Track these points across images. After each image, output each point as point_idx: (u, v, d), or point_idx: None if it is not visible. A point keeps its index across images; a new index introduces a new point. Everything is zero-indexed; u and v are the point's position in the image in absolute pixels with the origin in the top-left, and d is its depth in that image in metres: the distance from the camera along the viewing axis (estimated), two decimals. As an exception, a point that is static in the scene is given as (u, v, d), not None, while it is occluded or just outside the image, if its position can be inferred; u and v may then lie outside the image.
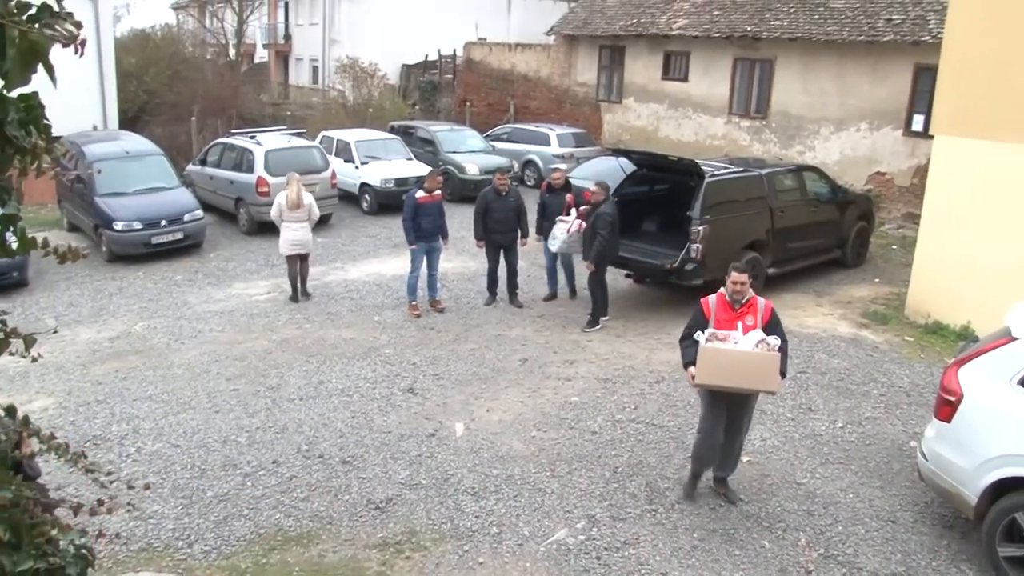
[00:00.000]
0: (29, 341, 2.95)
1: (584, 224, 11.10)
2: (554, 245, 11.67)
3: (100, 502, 3.44)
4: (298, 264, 12.43)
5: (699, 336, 6.41)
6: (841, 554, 6.26)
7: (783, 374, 6.40)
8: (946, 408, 6.18)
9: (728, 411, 6.65)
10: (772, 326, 6.47)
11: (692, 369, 6.42)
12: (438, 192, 11.73)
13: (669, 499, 6.97)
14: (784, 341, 6.43)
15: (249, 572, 6.02)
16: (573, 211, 11.59)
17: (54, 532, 2.90)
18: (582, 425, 8.33)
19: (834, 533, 6.51)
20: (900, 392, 9.21)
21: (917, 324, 11.27)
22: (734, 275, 6.45)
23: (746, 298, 6.50)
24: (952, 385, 6.15)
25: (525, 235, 11.99)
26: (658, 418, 8.50)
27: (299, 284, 12.48)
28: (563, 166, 19.26)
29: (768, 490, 7.15)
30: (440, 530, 6.54)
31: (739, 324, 6.45)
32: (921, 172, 15.88)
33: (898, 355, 10.32)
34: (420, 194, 11.41)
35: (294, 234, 12.25)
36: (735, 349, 6.31)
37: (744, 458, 7.51)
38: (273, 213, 12.51)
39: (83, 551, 2.80)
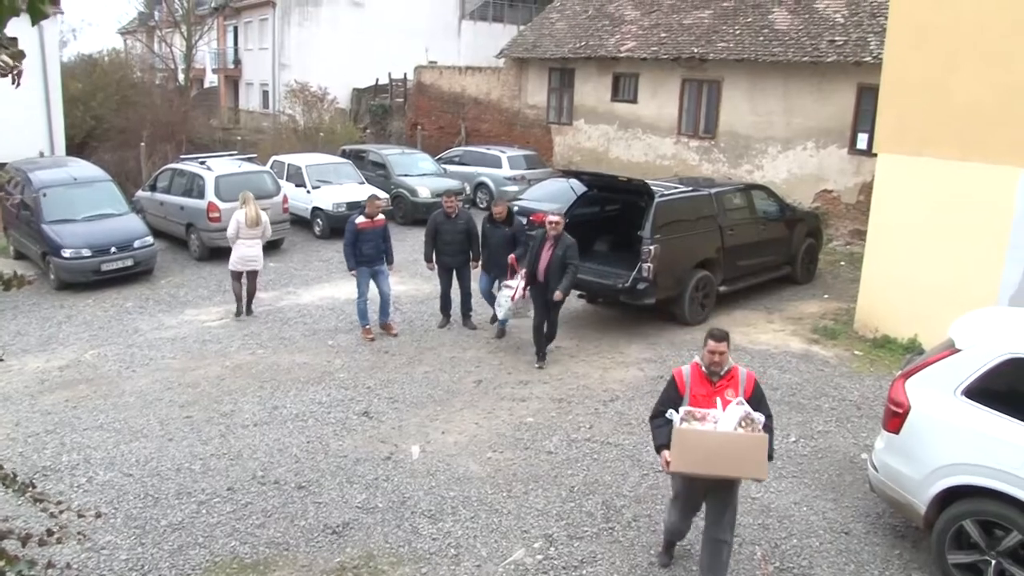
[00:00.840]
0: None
1: (526, 291, 10.63)
2: (500, 311, 11.09)
3: (50, 532, 3.39)
4: (244, 280, 12.67)
5: (672, 415, 5.52)
6: (796, 567, 6.34)
7: (770, 456, 5.46)
8: (895, 420, 6.29)
9: (707, 500, 5.80)
10: (756, 401, 5.58)
11: (666, 453, 5.50)
12: (381, 217, 11.64)
13: (625, 517, 7.00)
14: (769, 417, 5.59)
15: (204, 602, 5.93)
16: (518, 276, 10.81)
17: (0, 563, 2.86)
18: (537, 445, 8.35)
19: (789, 546, 6.59)
20: (850, 405, 9.38)
21: (866, 338, 11.49)
22: (711, 344, 5.56)
23: (725, 369, 5.63)
24: (899, 397, 6.28)
25: (476, 258, 11.90)
26: (613, 437, 8.55)
27: (247, 300, 12.73)
28: (511, 189, 19.40)
29: (723, 505, 7.20)
30: (398, 553, 6.50)
31: (718, 400, 5.55)
32: (867, 189, 16.25)
33: (848, 369, 10.51)
34: (360, 220, 11.41)
35: (249, 251, 12.52)
36: (715, 431, 5.40)
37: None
38: (230, 231, 12.67)
39: (33, 583, 2.76)
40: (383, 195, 19.07)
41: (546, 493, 7.42)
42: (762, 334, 11.88)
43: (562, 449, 8.26)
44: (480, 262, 11.96)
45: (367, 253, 11.45)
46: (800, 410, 9.23)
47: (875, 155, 11.64)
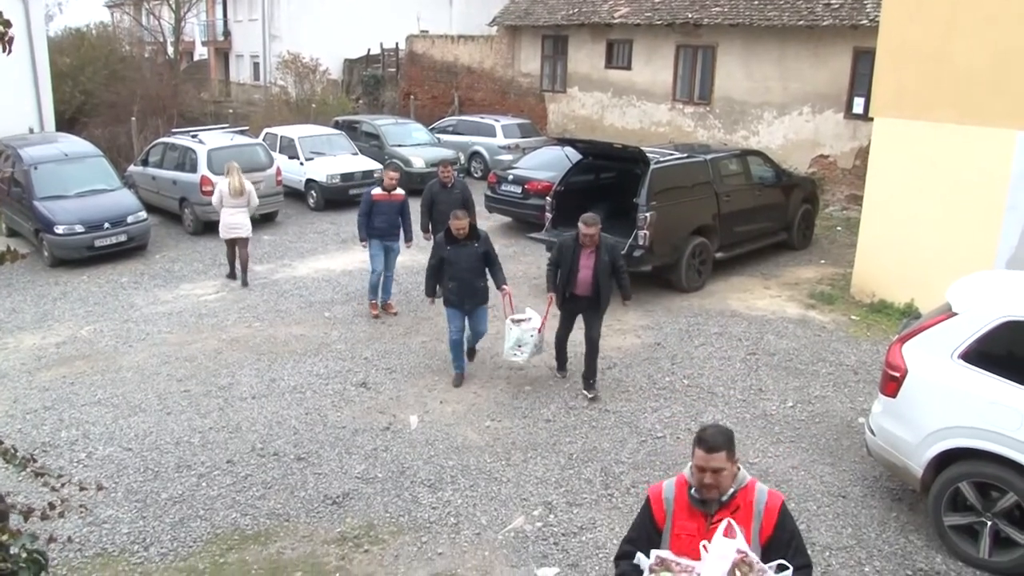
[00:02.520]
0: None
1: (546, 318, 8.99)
2: (523, 352, 8.86)
3: (51, 505, 3.41)
4: (236, 248, 12.97)
5: (641, 560, 3.59)
6: (794, 529, 6.40)
7: None
8: (891, 384, 6.32)
9: None
10: (781, 544, 3.55)
11: None
12: (400, 192, 11.37)
13: (624, 483, 7.05)
14: (805, 569, 3.59)
15: (207, 573, 5.97)
16: (529, 309, 9.23)
17: (3, 537, 2.87)
18: (536, 413, 8.39)
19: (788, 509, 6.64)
20: (847, 370, 9.42)
21: (862, 303, 11.52)
22: (699, 454, 3.55)
23: (730, 494, 3.59)
24: (896, 361, 6.30)
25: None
26: (611, 404, 8.59)
27: (240, 271, 13.02)
28: (505, 158, 19.34)
29: (721, 470, 7.25)
30: (398, 522, 6.55)
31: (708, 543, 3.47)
32: (863, 154, 16.21)
33: (845, 334, 10.55)
34: (376, 191, 11.23)
35: (231, 218, 12.83)
36: None
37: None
38: (214, 200, 13.05)
39: (36, 555, 2.78)
40: (423, 160, 19.20)
41: (545, 461, 7.47)
42: (759, 300, 11.91)
43: (560, 417, 8.30)
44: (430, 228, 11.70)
45: (379, 226, 11.21)
46: (797, 375, 9.27)
47: (871, 119, 11.61)
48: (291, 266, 14.10)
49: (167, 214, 17.13)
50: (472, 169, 21.67)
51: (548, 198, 12.93)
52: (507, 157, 20.22)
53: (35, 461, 3.54)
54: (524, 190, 15.58)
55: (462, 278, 8.79)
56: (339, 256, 14.61)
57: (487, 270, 8.99)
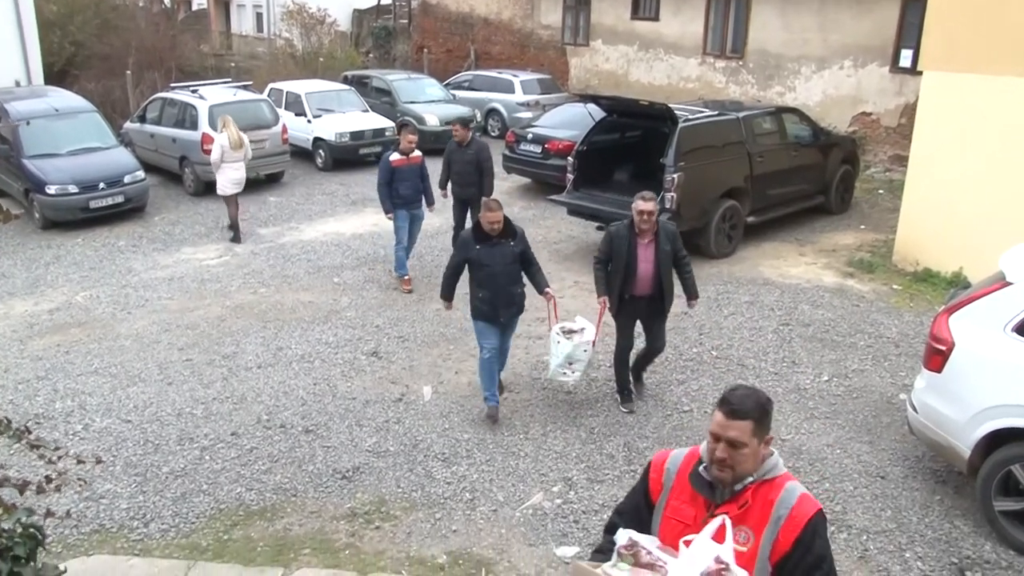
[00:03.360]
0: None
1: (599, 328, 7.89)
2: (574, 373, 7.77)
3: (48, 479, 3.42)
4: (238, 204, 13.45)
5: (619, 537, 2.92)
6: (829, 511, 6.34)
7: None
8: (936, 358, 6.25)
9: None
10: (800, 569, 2.88)
11: None
12: (417, 154, 11.20)
13: (648, 459, 7.03)
14: None
15: (211, 549, 6.02)
16: (580, 317, 8.08)
17: (-1, 512, 2.88)
18: (555, 385, 8.38)
19: (821, 490, 6.61)
20: (888, 343, 9.35)
21: (905, 272, 11.42)
22: (717, 418, 2.95)
23: (746, 483, 2.96)
24: (943, 334, 6.22)
25: (487, 192, 11.36)
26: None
27: (235, 228, 13.45)
28: (524, 116, 19.19)
29: (752, 447, 7.23)
30: (410, 498, 6.58)
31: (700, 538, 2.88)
32: (909, 111, 15.97)
33: (886, 304, 10.46)
34: (395, 156, 11.00)
35: (236, 173, 13.21)
36: None
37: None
38: (215, 156, 13.17)
39: (32, 530, 2.79)
40: (438, 118, 19.10)
41: (565, 435, 7.47)
42: (793, 268, 11.82)
43: (581, 389, 8.29)
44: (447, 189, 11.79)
45: (404, 194, 11.01)
46: (834, 347, 9.21)
47: (920, 73, 11.41)
48: (298, 229, 14.10)
49: (166, 174, 17.13)
50: (489, 127, 21.57)
51: (569, 158, 12.85)
52: (526, 115, 20.09)
53: (30, 433, 3.55)
54: (544, 150, 15.50)
55: (496, 284, 7.42)
56: (349, 219, 14.60)
57: (523, 273, 7.71)
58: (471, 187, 11.60)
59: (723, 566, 2.71)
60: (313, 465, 7.05)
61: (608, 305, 7.65)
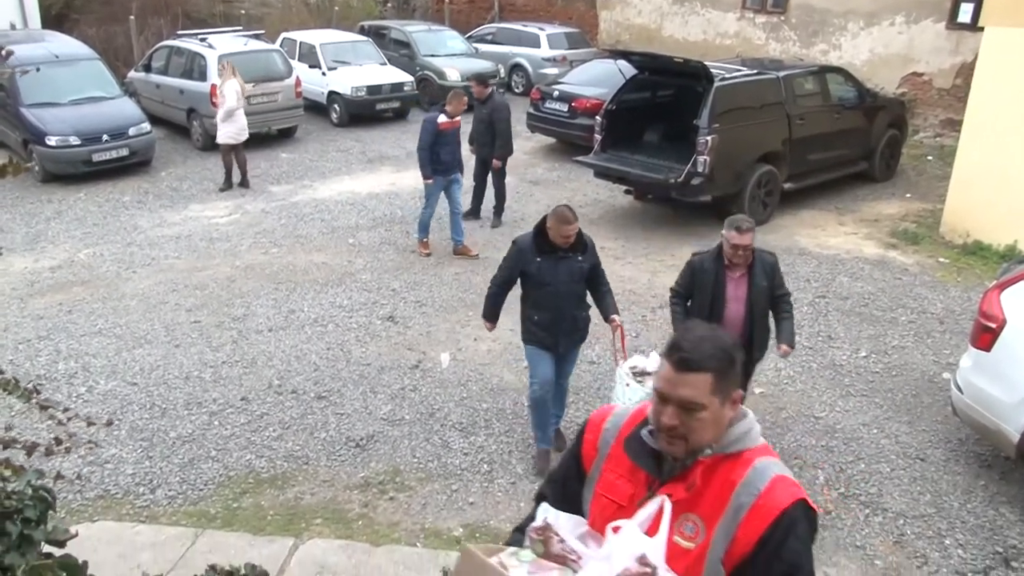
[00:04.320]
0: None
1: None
2: (634, 392, 6.24)
3: (58, 440, 3.48)
4: (236, 153, 13.89)
5: (538, 515, 2.36)
6: (864, 493, 6.40)
7: None
8: (985, 336, 6.22)
9: None
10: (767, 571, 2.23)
11: None
12: (459, 118, 11.14)
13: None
14: None
15: (219, 517, 6.13)
16: (653, 353, 6.77)
17: (8, 474, 2.95)
18: (579, 355, 8.40)
19: (856, 471, 6.64)
20: (932, 319, 9.32)
21: (954, 244, 11.34)
22: (665, 370, 2.30)
23: (703, 455, 2.32)
24: (993, 310, 6.18)
25: (499, 152, 11.72)
26: (661, 346, 8.56)
27: (242, 174, 13.92)
28: (550, 72, 19.02)
29: (783, 424, 7.28)
30: (426, 468, 6.66)
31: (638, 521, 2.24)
32: (966, 71, 15.72)
33: (931, 278, 10.41)
34: (442, 119, 10.87)
35: (243, 119, 13.72)
36: None
37: (757, 390, 7.66)
38: (231, 103, 13.51)
39: (42, 492, 2.85)
40: (459, 73, 18.96)
41: (587, 406, 7.51)
42: (832, 237, 11.77)
43: (605, 359, 8.31)
44: (499, 163, 11.86)
45: (445, 159, 10.93)
46: (873, 322, 9.20)
47: (981, 29, 11.21)
48: (312, 187, 14.16)
49: (173, 127, 17.20)
50: (513, 84, 21.48)
51: (598, 117, 12.78)
52: (552, 71, 20.00)
53: (39, 393, 3.61)
54: (571, 108, 15.42)
55: (558, 306, 6.40)
56: (365, 177, 14.63)
57: (589, 293, 6.65)
58: (485, 147, 11.79)
59: (647, 570, 2.07)
60: (326, 432, 7.13)
61: None
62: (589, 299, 6.64)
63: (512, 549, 2.29)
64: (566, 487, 2.58)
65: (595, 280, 6.58)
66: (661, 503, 2.24)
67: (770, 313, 6.40)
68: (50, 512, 2.88)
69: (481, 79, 11.95)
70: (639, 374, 6.37)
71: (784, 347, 6.34)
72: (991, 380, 6.20)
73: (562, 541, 2.23)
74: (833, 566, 5.63)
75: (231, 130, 13.57)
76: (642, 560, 2.08)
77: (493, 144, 11.73)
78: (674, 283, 6.56)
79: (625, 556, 2.10)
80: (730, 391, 2.32)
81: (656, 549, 2.12)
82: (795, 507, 2.23)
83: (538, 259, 6.30)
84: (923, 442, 7.07)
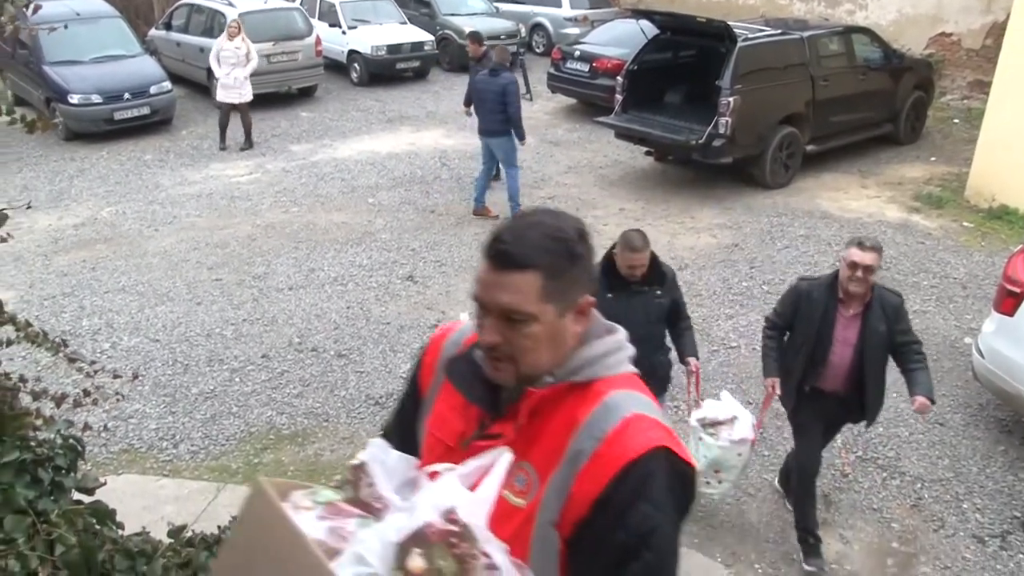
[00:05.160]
0: (0, 218, 2.98)
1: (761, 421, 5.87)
2: (721, 484, 5.52)
3: (86, 392, 3.55)
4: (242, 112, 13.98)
5: (368, 449, 1.84)
6: (881, 457, 6.42)
7: None
8: (1009, 300, 6.19)
9: None
10: (611, 548, 1.71)
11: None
12: None
13: (693, 395, 7.10)
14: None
15: (240, 472, 6.21)
16: (726, 394, 5.78)
17: (39, 423, 3.01)
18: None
19: (874, 435, 6.63)
20: (955, 283, 9.27)
21: (979, 208, 11.23)
22: (482, 272, 1.80)
23: (541, 384, 1.83)
24: (1018, 275, 6.14)
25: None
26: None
27: (247, 134, 14.04)
28: (571, 32, 18.79)
29: (803, 387, 7.27)
30: (446, 429, 6.71)
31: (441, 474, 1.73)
32: (997, 31, 15.45)
33: (954, 243, 10.34)
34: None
35: (244, 80, 13.91)
36: (297, 533, 1.63)
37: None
38: (253, 65, 13.92)
39: (72, 441, 2.91)
40: (487, 31, 18.61)
41: (609, 368, 7.53)
42: (854, 201, 11.70)
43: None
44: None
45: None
46: (894, 287, 9.08)
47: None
48: (332, 147, 14.17)
49: (194, 85, 17.18)
50: (534, 43, 21.32)
51: (619, 78, 12.72)
52: (574, 31, 19.81)
53: (66, 345, 3.67)
54: (592, 68, 15.32)
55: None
56: (385, 137, 14.62)
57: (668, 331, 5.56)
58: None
59: (454, 528, 1.60)
60: (345, 390, 7.21)
61: (778, 392, 5.31)
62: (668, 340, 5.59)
63: (312, 488, 1.81)
64: (402, 421, 2.12)
65: (676, 316, 5.48)
66: (496, 450, 1.75)
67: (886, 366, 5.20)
68: (79, 461, 2.95)
69: (476, 37, 11.85)
70: (709, 425, 5.44)
71: (920, 399, 5.01)
72: (1014, 345, 6.17)
73: (371, 485, 1.75)
74: (850, 528, 5.67)
75: (245, 91, 13.71)
76: (450, 516, 1.60)
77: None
78: (771, 311, 5.47)
79: (430, 509, 1.63)
80: (573, 297, 1.80)
81: (474, 505, 1.63)
82: (649, 457, 1.70)
83: (608, 295, 5.02)
84: (943, 407, 7.03)
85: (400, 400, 2.20)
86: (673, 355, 5.59)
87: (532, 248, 1.73)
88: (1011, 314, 6.18)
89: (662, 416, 1.86)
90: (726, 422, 5.44)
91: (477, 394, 1.89)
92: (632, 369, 1.92)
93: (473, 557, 1.58)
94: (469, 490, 1.66)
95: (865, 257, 4.81)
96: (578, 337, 1.86)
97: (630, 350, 1.94)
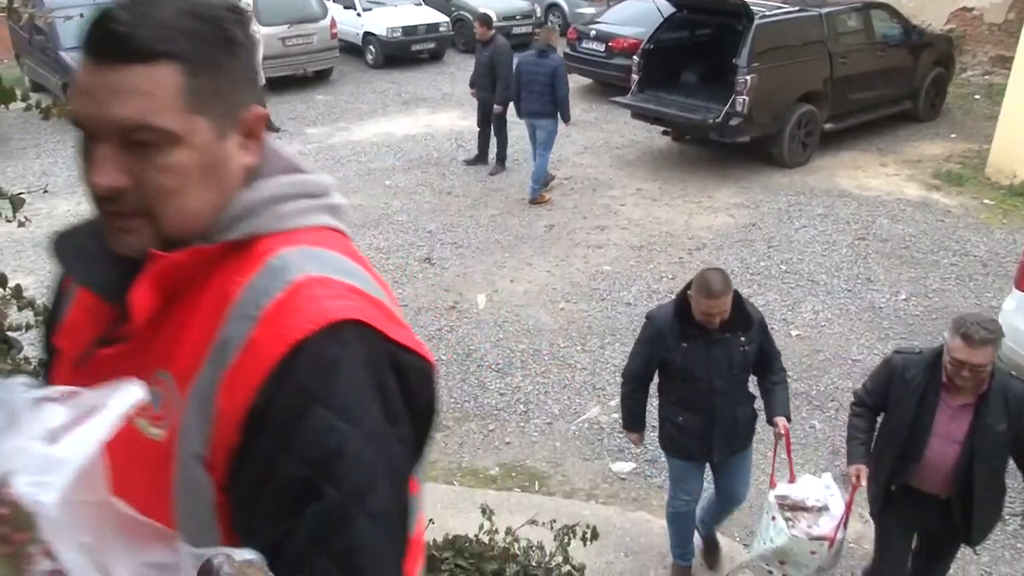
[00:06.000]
0: (17, 203, 2.99)
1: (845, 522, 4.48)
2: (778, 533, 4.43)
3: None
4: None
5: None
6: (899, 435, 6.40)
7: None
8: (1030, 277, 6.16)
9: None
10: (282, 482, 1.10)
11: None
12: None
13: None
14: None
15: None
16: (828, 477, 4.76)
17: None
18: (615, 296, 8.44)
19: (893, 413, 6.63)
20: (975, 261, 9.20)
21: (1000, 185, 11.11)
22: (83, 69, 1.17)
23: (188, 246, 1.19)
24: (1037, 250, 6.11)
25: (499, 101, 11.34)
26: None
27: None
28: (587, 11, 18.68)
29: (820, 367, 7.26)
30: (463, 408, 6.74)
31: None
32: (1019, 5, 15.27)
33: (974, 220, 10.25)
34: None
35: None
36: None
37: (793, 332, 7.66)
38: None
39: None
40: (495, 13, 18.42)
41: (624, 348, 7.48)
42: (872, 179, 11.60)
43: (642, 300, 8.33)
44: (500, 106, 11.51)
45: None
46: (914, 265, 9.10)
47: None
48: (347, 129, 14.16)
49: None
50: (549, 23, 21.17)
51: (635, 57, 12.66)
52: (589, 10, 19.71)
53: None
54: (608, 48, 15.24)
55: (711, 405, 4.55)
56: (401, 119, 14.60)
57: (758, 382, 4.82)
58: (485, 91, 11.63)
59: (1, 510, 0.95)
60: (363, 372, 7.22)
61: (862, 481, 4.24)
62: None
63: None
64: (46, 346, 1.50)
65: (763, 365, 4.70)
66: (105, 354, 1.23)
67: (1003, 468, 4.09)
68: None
69: (485, 20, 11.81)
70: (790, 508, 4.49)
71: None
72: (1035, 323, 6.13)
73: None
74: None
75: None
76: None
77: (493, 88, 11.45)
78: (861, 386, 4.51)
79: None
80: (234, 107, 1.23)
81: (52, 466, 0.95)
82: (326, 336, 1.13)
83: (683, 344, 4.46)
84: (962, 385, 7.02)
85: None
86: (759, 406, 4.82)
87: (163, 28, 1.15)
88: (1031, 292, 6.13)
89: (367, 281, 1.25)
90: (812, 510, 4.45)
91: (92, 275, 1.29)
92: (333, 224, 1.31)
93: (26, 557, 0.95)
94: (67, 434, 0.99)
95: (974, 356, 3.70)
96: (247, 173, 1.26)
97: (328, 198, 1.34)
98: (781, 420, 4.62)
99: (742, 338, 4.48)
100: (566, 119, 10.79)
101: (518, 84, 10.78)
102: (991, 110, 13.24)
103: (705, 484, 5.03)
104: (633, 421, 4.98)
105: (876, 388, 4.29)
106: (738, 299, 4.43)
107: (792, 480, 4.63)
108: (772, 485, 4.68)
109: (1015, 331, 6.28)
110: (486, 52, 11.51)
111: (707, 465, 4.85)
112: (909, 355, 4.19)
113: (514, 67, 10.97)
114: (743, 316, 4.49)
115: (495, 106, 11.52)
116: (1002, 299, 6.93)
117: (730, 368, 4.50)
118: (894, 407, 4.15)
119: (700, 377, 4.48)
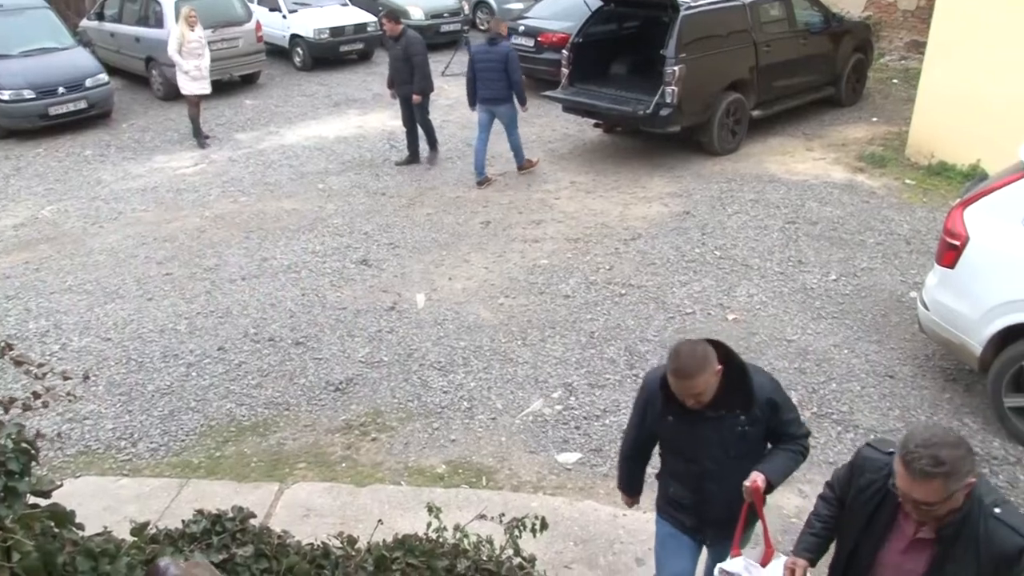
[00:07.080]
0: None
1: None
2: None
3: (36, 395, 3.50)
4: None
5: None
6: (836, 412, 6.54)
7: None
8: (950, 253, 6.28)
9: None
10: None
11: None
12: None
13: (651, 363, 7.14)
14: None
15: (203, 467, 6.18)
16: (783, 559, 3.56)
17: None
18: (553, 289, 8.48)
19: (828, 391, 6.77)
20: (899, 240, 9.42)
21: (919, 165, 11.40)
22: None
23: None
24: (957, 227, 6.23)
25: (418, 91, 11.65)
26: (635, 278, 8.66)
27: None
28: (515, 7, 18.69)
29: (756, 348, 7.38)
30: (407, 408, 6.73)
31: None
32: (930, -8, 15.64)
33: (897, 200, 10.49)
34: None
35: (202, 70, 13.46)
36: None
37: (730, 316, 7.78)
38: (209, 59, 13.55)
39: (24, 445, 2.87)
40: (422, 11, 18.56)
41: (564, 340, 7.59)
42: (800, 163, 11.81)
43: (580, 292, 8.39)
44: (418, 96, 11.75)
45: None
46: (842, 246, 9.29)
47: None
48: (278, 133, 14.02)
49: (132, 76, 16.89)
50: (478, 20, 21.19)
51: (564, 51, 12.71)
52: (518, 6, 19.70)
53: (12, 348, 3.61)
54: (537, 43, 15.30)
55: (701, 488, 3.92)
56: (332, 121, 14.49)
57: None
58: (405, 84, 11.73)
59: None
60: (305, 378, 7.18)
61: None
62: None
63: None
64: None
65: (776, 439, 3.87)
66: None
67: None
68: (34, 464, 2.91)
69: (392, 15, 11.94)
70: None
71: None
72: (956, 296, 6.29)
73: None
74: (807, 483, 5.76)
75: (205, 83, 13.40)
76: None
77: (412, 81, 11.63)
78: (827, 487, 3.54)
79: None
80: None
81: None
82: None
83: (669, 417, 3.81)
84: (892, 360, 7.20)
85: None
86: None
87: None
88: (952, 266, 6.28)
89: None
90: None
91: None
92: None
93: None
94: None
95: (915, 490, 2.82)
96: None
97: None
98: (757, 475, 3.66)
99: (741, 417, 3.70)
100: (522, 102, 11.20)
101: (472, 74, 11.04)
102: (909, 93, 13.55)
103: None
104: (625, 484, 4.38)
105: (841, 483, 3.42)
106: (739, 374, 3.70)
107: (736, 552, 3.75)
108: (735, 552, 3.75)
109: (938, 305, 6.48)
110: (399, 46, 11.60)
111: (698, 545, 4.13)
112: (875, 454, 3.27)
113: (467, 58, 11.26)
114: (742, 394, 3.69)
115: (414, 96, 11.63)
116: (925, 275, 7.11)
117: (724, 450, 3.74)
118: (847, 512, 3.32)
119: (692, 460, 3.85)
